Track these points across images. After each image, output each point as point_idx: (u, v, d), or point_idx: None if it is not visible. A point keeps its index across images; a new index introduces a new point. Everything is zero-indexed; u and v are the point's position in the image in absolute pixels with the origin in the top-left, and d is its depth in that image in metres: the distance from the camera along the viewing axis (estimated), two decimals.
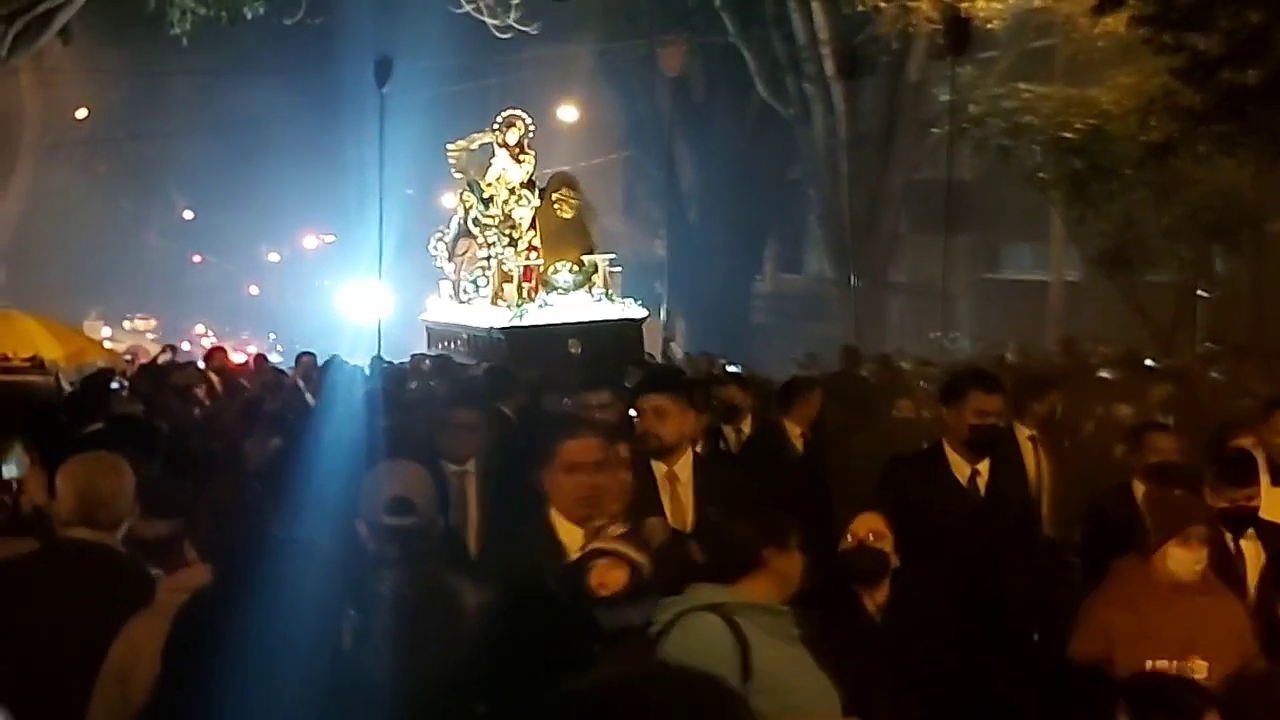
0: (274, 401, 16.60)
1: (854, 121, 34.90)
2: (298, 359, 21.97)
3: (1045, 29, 31.51)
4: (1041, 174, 29.34)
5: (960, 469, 8.79)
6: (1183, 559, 7.10)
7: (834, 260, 37.48)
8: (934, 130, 32.88)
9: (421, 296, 27.61)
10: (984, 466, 8.81)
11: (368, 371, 19.64)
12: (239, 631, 4.04)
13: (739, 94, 41.05)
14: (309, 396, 17.64)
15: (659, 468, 8.01)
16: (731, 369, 24.01)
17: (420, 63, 32.44)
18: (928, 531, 8.05)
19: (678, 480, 8.02)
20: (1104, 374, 20.51)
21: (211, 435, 13.78)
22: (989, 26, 28.97)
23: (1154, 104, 25.49)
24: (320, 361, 20.52)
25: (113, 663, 5.64)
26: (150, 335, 59.46)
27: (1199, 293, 30.18)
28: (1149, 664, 6.72)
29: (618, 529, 6.06)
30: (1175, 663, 6.80)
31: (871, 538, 7.45)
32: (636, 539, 5.99)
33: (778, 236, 48.22)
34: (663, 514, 7.69)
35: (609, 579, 5.72)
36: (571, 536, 6.35)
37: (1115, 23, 25.61)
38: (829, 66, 34.43)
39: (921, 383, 21.03)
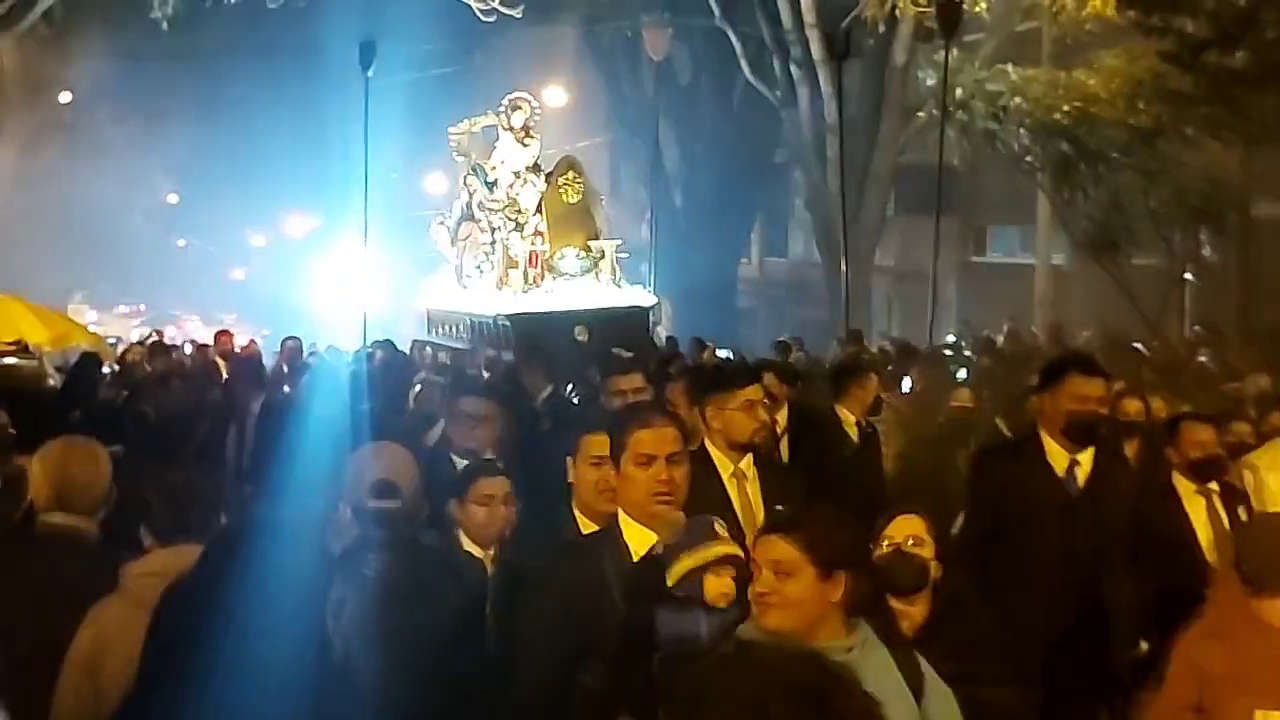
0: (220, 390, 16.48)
1: (840, 105, 34.85)
2: (281, 344, 21.87)
3: (1032, 11, 31.45)
4: (1028, 157, 29.35)
5: (1057, 459, 8.19)
6: None
7: (820, 244, 37.45)
8: (920, 114, 32.81)
9: (407, 280, 27.52)
10: (1085, 457, 8.21)
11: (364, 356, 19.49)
12: (220, 614, 4.00)
13: (724, 77, 41.02)
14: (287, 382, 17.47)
15: (724, 464, 7.61)
16: (721, 353, 23.94)
17: (404, 46, 32.36)
18: (1020, 529, 7.64)
19: (745, 478, 7.64)
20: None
21: (188, 420, 13.67)
22: (976, 9, 28.91)
23: (1141, 87, 25.55)
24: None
25: (81, 651, 5.60)
26: (136, 322, 59.24)
27: (1186, 276, 30.19)
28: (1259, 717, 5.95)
29: (722, 528, 5.43)
30: None
31: (910, 543, 6.49)
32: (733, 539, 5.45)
33: (763, 220, 48.16)
34: (734, 514, 7.23)
35: (730, 588, 5.24)
36: (641, 539, 5.72)
37: (1102, 5, 25.65)
38: (815, 49, 34.36)
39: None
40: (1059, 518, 7.97)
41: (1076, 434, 8.14)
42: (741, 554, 5.26)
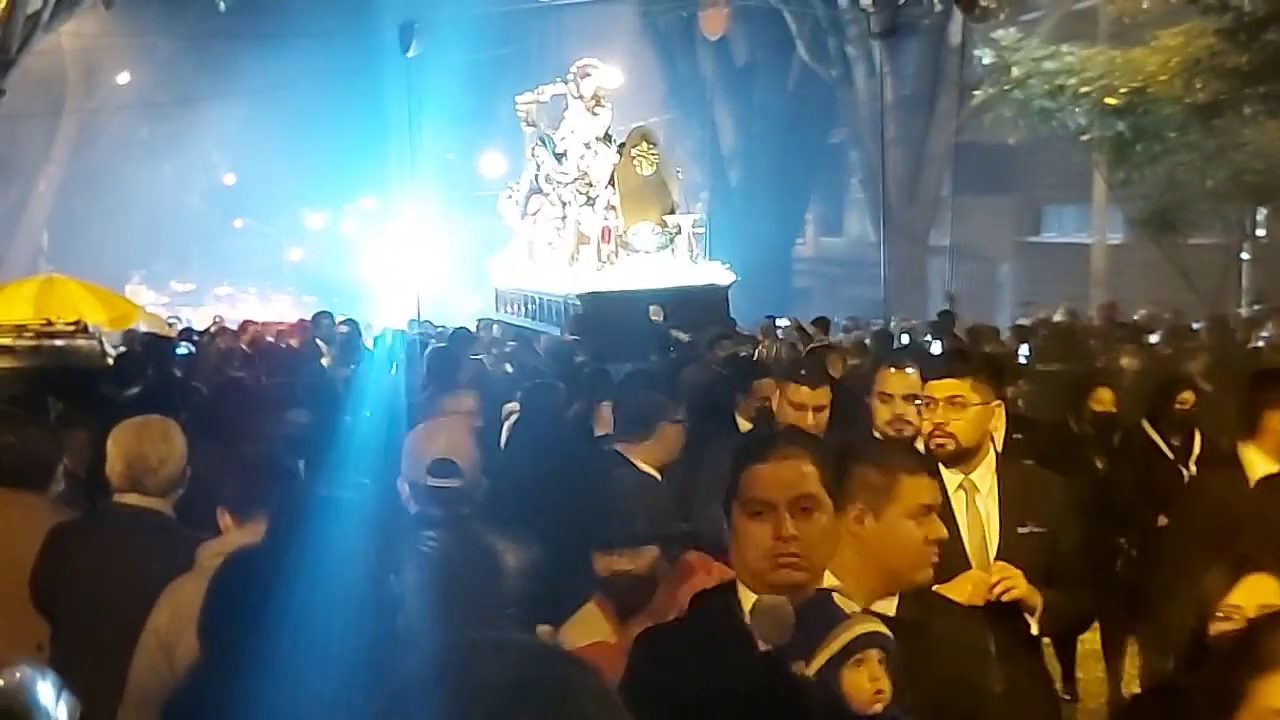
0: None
1: (896, 84, 34.76)
2: (314, 319, 21.22)
3: None
4: (1085, 136, 29.18)
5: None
6: None
7: (876, 223, 37.41)
8: (976, 92, 32.70)
9: (464, 260, 27.48)
10: None
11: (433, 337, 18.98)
12: (276, 591, 4.03)
13: (781, 56, 40.95)
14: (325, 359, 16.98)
15: (951, 476, 6.16)
16: (782, 323, 23.53)
17: (460, 27, 32.39)
18: None
19: (976, 491, 6.23)
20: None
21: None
22: None
23: (1199, 65, 25.35)
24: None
25: (158, 629, 5.52)
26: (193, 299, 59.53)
27: (1242, 255, 30.01)
28: None
29: (845, 600, 4.10)
30: None
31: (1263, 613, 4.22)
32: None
33: (819, 199, 48.05)
34: (959, 536, 5.99)
35: (882, 680, 3.86)
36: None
37: None
38: (871, 28, 34.32)
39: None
40: None
41: None
42: (888, 633, 3.95)
